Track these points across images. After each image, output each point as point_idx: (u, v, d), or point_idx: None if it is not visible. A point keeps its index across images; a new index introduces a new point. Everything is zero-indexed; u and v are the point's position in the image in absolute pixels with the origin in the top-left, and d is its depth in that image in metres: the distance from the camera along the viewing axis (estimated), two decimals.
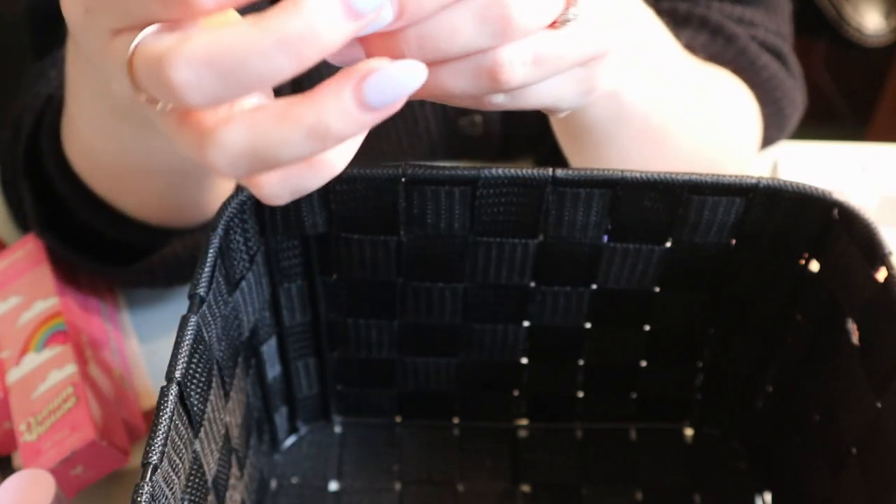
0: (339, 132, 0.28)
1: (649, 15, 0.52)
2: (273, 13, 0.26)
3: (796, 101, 0.66)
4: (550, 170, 0.43)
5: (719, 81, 0.59)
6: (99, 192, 0.54)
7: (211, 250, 0.40)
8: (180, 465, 0.37)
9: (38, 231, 0.56)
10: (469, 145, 0.71)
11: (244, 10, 0.30)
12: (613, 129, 0.49)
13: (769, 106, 0.63)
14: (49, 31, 0.60)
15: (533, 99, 0.37)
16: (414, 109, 0.68)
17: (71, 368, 0.50)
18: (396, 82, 0.28)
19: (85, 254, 0.56)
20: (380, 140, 0.70)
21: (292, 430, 0.55)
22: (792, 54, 0.66)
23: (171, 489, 0.35)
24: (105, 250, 0.56)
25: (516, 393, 0.55)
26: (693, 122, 0.53)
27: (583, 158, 0.53)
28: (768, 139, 0.65)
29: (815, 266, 0.46)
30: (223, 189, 0.55)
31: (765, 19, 0.65)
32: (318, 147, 0.28)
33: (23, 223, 0.62)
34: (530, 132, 0.71)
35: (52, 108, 0.54)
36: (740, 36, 0.62)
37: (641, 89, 0.47)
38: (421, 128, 0.69)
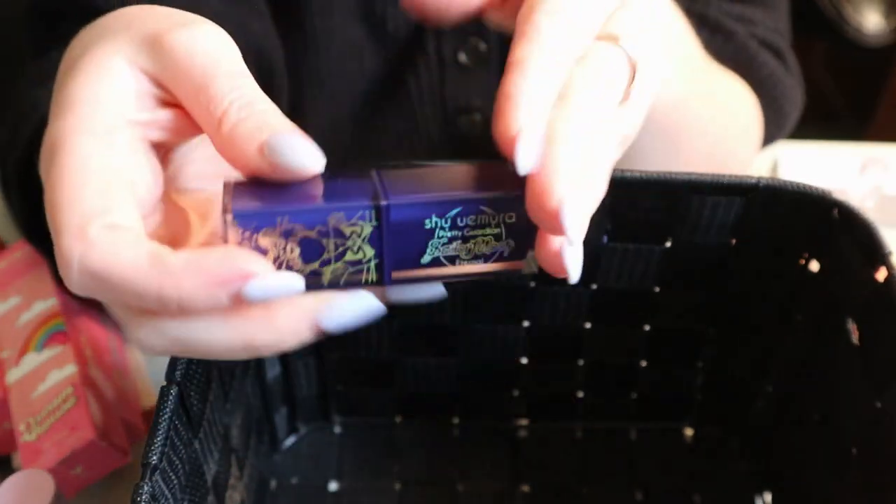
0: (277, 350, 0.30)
1: (680, 23, 0.52)
2: None
3: (795, 99, 0.66)
4: None
5: (725, 81, 0.59)
6: None
7: None
8: (180, 466, 0.37)
9: (29, 242, 0.56)
10: (469, 145, 0.71)
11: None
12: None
13: (769, 104, 0.63)
14: (48, 29, 0.60)
15: None
16: (414, 108, 0.68)
17: (70, 369, 0.50)
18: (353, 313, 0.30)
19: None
20: (379, 139, 0.70)
21: (292, 430, 0.55)
22: (790, 52, 0.66)
23: (171, 489, 0.35)
24: None
25: (516, 393, 0.55)
26: (707, 124, 0.54)
27: None
28: (768, 137, 0.65)
29: (815, 266, 0.46)
30: None
31: (763, 17, 0.65)
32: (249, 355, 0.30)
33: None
34: None
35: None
36: (739, 33, 0.62)
37: (663, 100, 0.48)
38: (421, 127, 0.69)
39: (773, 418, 0.52)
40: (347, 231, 0.29)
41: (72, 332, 0.52)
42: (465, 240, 0.31)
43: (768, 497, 0.53)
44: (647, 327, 0.51)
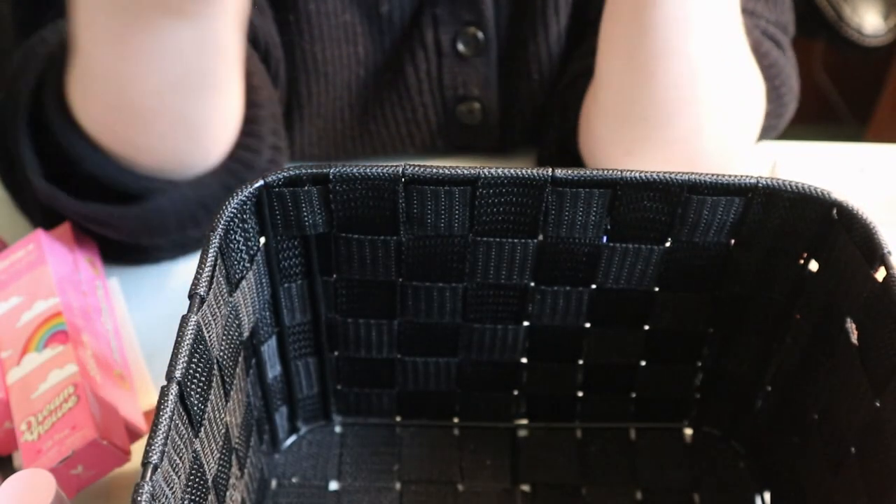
0: None
1: None
2: None
3: (794, 88, 0.67)
4: (550, 170, 0.43)
5: (740, 54, 0.60)
6: (101, 139, 0.53)
7: (211, 250, 0.40)
8: (180, 465, 0.37)
9: (27, 172, 0.56)
10: (467, 134, 0.72)
11: None
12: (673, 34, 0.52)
13: (770, 92, 0.64)
14: (33, 14, 0.60)
15: None
16: (413, 97, 0.69)
17: (71, 368, 0.50)
18: None
19: (70, 194, 0.55)
20: (378, 127, 0.70)
21: (292, 430, 0.55)
22: (790, 46, 0.67)
23: (172, 489, 0.35)
24: (92, 198, 0.56)
25: (516, 393, 0.55)
26: (728, 84, 0.55)
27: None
28: (767, 128, 0.65)
29: (814, 266, 0.46)
30: (225, 116, 0.54)
31: (765, 10, 0.66)
32: None
33: (21, 209, 0.62)
34: (529, 121, 0.72)
35: (57, 59, 0.54)
36: (744, 25, 0.62)
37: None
38: (420, 115, 0.70)
39: (773, 418, 0.52)
40: None
41: (73, 331, 0.52)
42: None
43: (768, 497, 0.53)
44: (646, 327, 0.51)
